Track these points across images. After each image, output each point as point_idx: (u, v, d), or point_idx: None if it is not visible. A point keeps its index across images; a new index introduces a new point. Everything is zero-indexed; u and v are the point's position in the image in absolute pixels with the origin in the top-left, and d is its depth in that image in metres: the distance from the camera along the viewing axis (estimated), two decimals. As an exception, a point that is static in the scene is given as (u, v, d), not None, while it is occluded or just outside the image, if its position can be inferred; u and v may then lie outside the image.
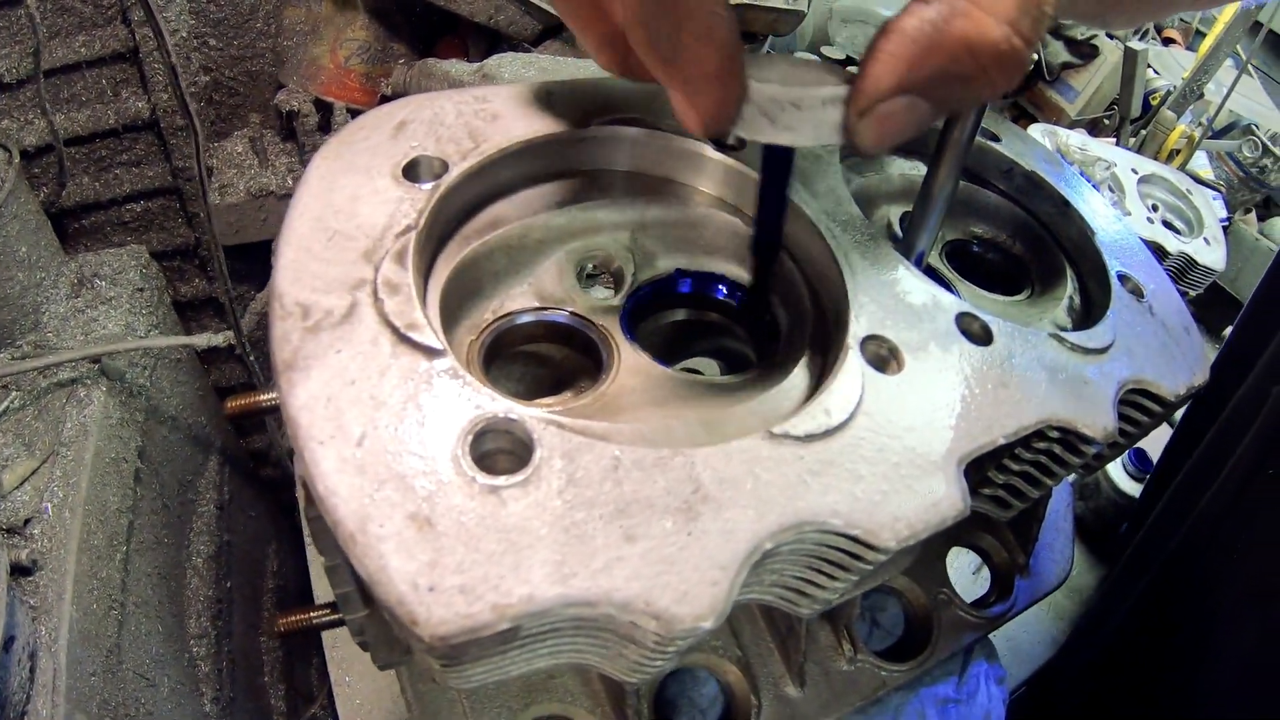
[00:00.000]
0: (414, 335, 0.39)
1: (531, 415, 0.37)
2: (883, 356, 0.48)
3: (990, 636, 0.72)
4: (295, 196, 0.47)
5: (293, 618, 0.56)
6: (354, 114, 1.39)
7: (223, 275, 1.00)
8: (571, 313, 0.52)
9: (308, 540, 1.19)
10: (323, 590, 1.17)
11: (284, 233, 0.45)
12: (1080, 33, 2.07)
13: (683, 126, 0.41)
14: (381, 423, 0.36)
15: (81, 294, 1.27)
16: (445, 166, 0.49)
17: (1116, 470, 1.28)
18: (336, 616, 0.55)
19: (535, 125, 0.53)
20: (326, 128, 1.39)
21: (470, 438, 0.36)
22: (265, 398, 0.56)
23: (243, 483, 1.61)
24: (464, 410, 0.37)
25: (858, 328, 0.48)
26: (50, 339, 1.21)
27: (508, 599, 0.32)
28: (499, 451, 0.38)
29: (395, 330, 0.39)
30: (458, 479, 0.35)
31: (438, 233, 0.49)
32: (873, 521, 0.39)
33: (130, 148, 1.40)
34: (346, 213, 0.46)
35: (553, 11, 1.36)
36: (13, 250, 1.17)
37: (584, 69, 1.30)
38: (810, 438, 0.41)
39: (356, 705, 1.03)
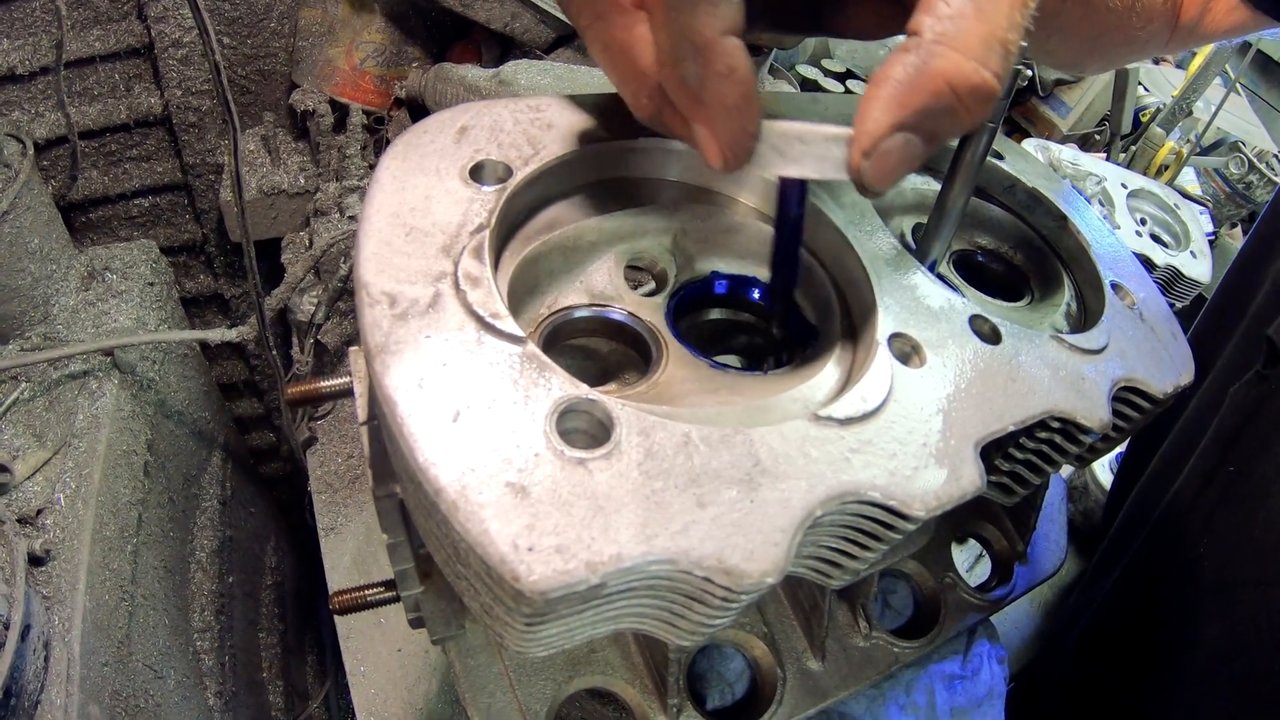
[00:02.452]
0: (499, 324, 0.43)
1: (608, 398, 0.41)
2: (906, 352, 0.53)
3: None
4: (370, 194, 0.51)
5: (348, 594, 0.59)
6: (369, 115, 1.42)
7: (252, 270, 1.02)
8: (625, 310, 0.56)
9: (321, 534, 1.21)
10: (336, 583, 1.19)
11: (364, 227, 0.48)
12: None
13: (706, 161, 0.45)
14: (474, 402, 0.40)
15: (91, 287, 1.27)
16: (509, 171, 0.53)
17: (1105, 474, 1.34)
18: (391, 594, 0.58)
19: (588, 135, 0.57)
20: (341, 128, 1.41)
21: (556, 416, 0.40)
22: (326, 384, 0.59)
23: (243, 479, 1.62)
24: (550, 392, 0.41)
25: (884, 326, 0.53)
26: (60, 331, 1.21)
27: (599, 556, 0.36)
28: (576, 430, 0.42)
29: (480, 319, 0.43)
30: (548, 452, 0.38)
31: (504, 232, 0.53)
32: (906, 494, 0.44)
33: (141, 143, 1.41)
34: (421, 210, 0.49)
35: (567, 20, 1.40)
36: (25, 242, 1.17)
37: (597, 77, 1.34)
38: (850, 420, 0.46)
39: (371, 695, 1.05)
